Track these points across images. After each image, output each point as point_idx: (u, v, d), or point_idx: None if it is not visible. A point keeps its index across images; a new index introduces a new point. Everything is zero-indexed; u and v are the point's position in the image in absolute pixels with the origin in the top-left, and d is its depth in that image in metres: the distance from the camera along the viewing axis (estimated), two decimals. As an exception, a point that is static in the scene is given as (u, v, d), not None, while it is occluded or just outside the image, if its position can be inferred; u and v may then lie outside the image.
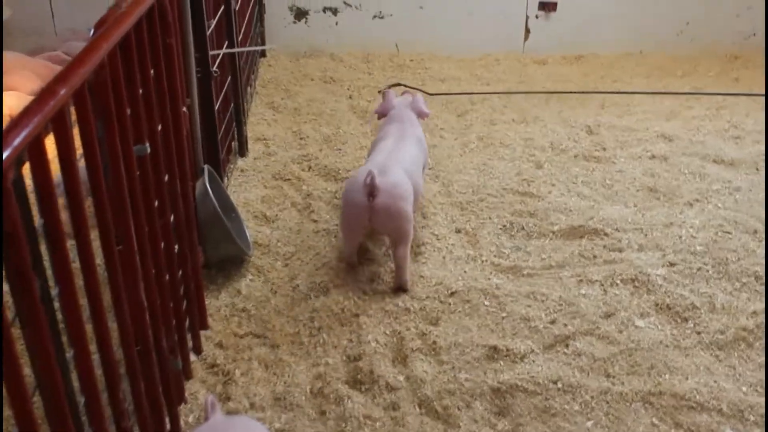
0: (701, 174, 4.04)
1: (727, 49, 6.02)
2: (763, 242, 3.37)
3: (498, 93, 5.26)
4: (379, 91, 5.18)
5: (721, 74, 5.64)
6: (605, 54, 6.05)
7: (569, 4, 5.98)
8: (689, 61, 5.94)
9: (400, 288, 3.10)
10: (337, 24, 5.99)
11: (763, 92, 5.09)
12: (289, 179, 3.97)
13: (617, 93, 5.24)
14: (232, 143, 4.07)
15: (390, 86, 5.14)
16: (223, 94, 3.73)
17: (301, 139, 4.46)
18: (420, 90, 5.28)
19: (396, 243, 3.09)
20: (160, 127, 2.21)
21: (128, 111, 1.94)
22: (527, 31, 6.07)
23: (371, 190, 2.97)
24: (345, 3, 5.93)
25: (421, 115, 3.63)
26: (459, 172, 4.06)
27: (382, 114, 3.67)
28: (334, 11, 5.95)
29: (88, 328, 1.71)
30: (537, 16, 6.02)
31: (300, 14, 5.96)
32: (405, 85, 5.30)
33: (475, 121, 4.75)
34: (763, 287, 3.08)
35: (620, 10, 5.97)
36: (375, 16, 5.97)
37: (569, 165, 4.15)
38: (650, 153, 4.27)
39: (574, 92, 5.24)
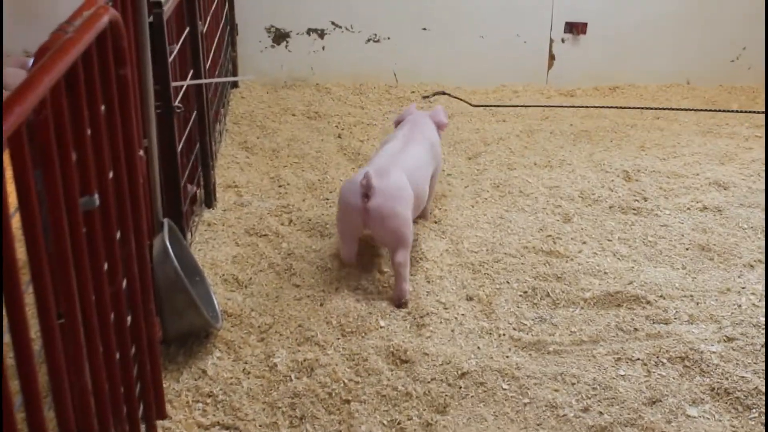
0: (763, 229, 4.07)
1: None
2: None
3: (565, 106, 5.62)
4: (424, 97, 5.60)
5: (785, 109, 5.72)
6: (645, 85, 6.14)
7: (602, 25, 6.09)
8: (746, 92, 6.03)
9: (397, 301, 3.48)
10: (323, 48, 6.09)
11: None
12: (265, 235, 4.00)
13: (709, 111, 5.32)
14: (198, 192, 4.11)
15: (434, 94, 5.59)
16: (187, 132, 3.78)
17: (280, 186, 4.50)
18: (464, 101, 5.66)
19: (393, 250, 3.52)
20: (111, 175, 2.24)
21: (74, 156, 1.97)
22: (551, 57, 6.17)
23: (366, 191, 3.43)
24: (333, 24, 6.04)
25: (440, 125, 4.17)
26: (470, 227, 4.09)
27: (398, 122, 4.20)
28: (321, 33, 6.06)
29: (20, 417, 1.71)
30: (563, 40, 6.13)
31: (280, 37, 6.07)
32: (449, 95, 5.68)
33: (490, 165, 4.80)
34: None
35: (663, 32, 6.09)
36: (369, 40, 6.08)
37: (603, 218, 4.19)
38: (701, 204, 4.31)
39: (684, 109, 5.31)
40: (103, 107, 2.19)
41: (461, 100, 5.70)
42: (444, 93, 5.80)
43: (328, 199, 4.35)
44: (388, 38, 6.09)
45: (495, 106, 5.65)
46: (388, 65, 6.12)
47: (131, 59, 2.53)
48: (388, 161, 3.66)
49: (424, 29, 6.07)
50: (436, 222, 4.14)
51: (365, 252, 3.84)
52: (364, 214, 3.46)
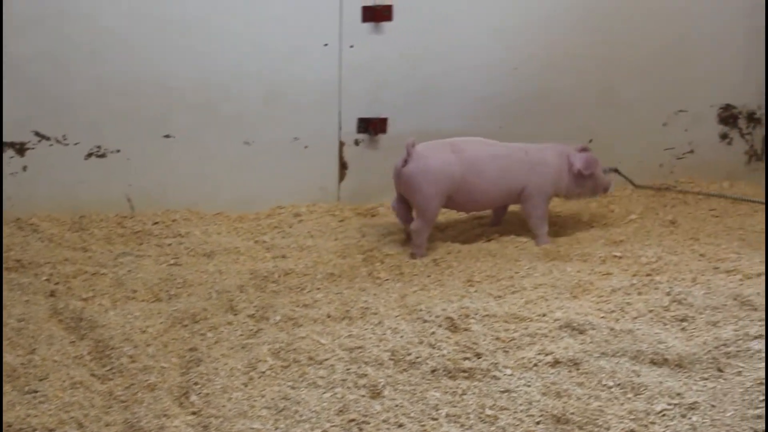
0: (634, 386, 4.13)
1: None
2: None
3: (733, 198, 6.09)
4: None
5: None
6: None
7: (406, 120, 6.25)
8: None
9: (413, 257, 5.51)
10: (24, 169, 5.94)
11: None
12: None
13: None
14: None
15: (607, 170, 6.00)
16: None
17: (-39, 377, 4.26)
18: (630, 181, 6.29)
19: (415, 215, 5.57)
20: None
21: None
22: (343, 165, 6.24)
23: (406, 157, 5.42)
24: (37, 134, 5.90)
25: (571, 164, 5.69)
26: (242, 417, 3.97)
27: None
28: (20, 149, 5.92)
29: None
30: (358, 142, 6.21)
31: (-47, 154, 5.89)
32: (619, 173, 6.22)
33: (266, 323, 4.74)
34: None
35: (492, 126, 6.28)
36: (91, 154, 5.99)
37: (424, 387, 4.16)
38: (551, 356, 4.36)
39: None
40: None
41: (627, 179, 6.18)
42: (615, 170, 6.14)
43: (36, 393, 4.12)
44: (118, 151, 6.02)
45: (665, 189, 6.27)
46: (119, 188, 6.05)
47: None
48: (451, 143, 5.55)
49: (167, 137, 6.03)
50: (194, 413, 4.00)
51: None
52: (398, 176, 5.46)
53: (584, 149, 5.79)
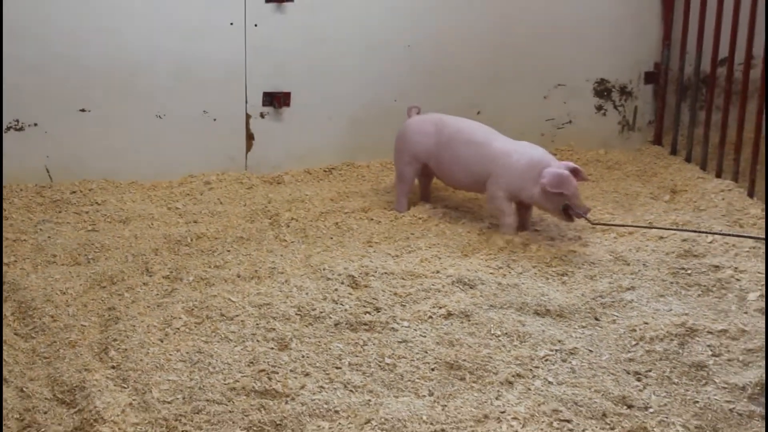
0: (520, 334, 4.26)
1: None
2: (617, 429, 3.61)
3: (733, 235, 5.28)
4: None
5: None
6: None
7: (308, 94, 6.29)
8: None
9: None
10: (-59, 142, 5.86)
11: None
12: None
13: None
14: None
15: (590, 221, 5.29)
16: None
17: None
18: (587, 219, 5.25)
19: None
20: None
21: None
22: (250, 137, 6.26)
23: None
24: (-45, 107, 5.82)
25: (540, 175, 5.11)
26: (160, 369, 4.00)
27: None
28: (-63, 121, 5.83)
29: None
30: (263, 114, 6.24)
31: None
32: (590, 220, 5.30)
33: (180, 282, 4.78)
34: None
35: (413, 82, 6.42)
36: (9, 128, 5.90)
37: (328, 339, 4.24)
38: (445, 309, 4.47)
39: None
40: None
41: (587, 219, 5.23)
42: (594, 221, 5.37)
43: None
44: (35, 124, 5.94)
45: (618, 225, 5.45)
46: (37, 159, 5.98)
47: None
48: (439, 117, 5.66)
49: (83, 110, 5.98)
50: (113, 367, 4.02)
51: None
52: None
53: (575, 170, 5.18)
